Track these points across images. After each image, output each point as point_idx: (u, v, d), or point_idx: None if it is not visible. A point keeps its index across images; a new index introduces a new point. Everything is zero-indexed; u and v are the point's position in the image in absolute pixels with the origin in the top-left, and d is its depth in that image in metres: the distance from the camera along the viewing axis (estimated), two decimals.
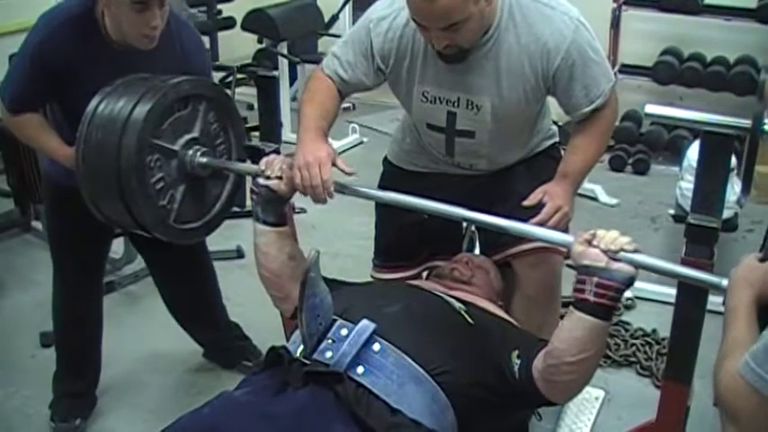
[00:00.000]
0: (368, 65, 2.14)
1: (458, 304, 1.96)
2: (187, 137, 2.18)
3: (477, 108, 2.10)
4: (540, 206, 2.00)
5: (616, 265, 1.65)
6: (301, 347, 1.76)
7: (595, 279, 1.65)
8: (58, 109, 2.39)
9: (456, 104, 2.12)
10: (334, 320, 1.78)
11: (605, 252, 1.66)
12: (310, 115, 2.12)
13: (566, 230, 2.07)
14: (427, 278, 2.33)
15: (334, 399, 1.63)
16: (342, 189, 2.02)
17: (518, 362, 1.81)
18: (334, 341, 1.73)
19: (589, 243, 1.69)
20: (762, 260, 1.46)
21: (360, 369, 1.69)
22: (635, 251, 1.67)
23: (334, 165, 2.01)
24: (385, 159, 2.52)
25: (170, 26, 2.28)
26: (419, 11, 1.86)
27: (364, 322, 1.75)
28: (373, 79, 2.18)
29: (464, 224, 2.60)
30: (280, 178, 2.04)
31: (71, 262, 2.59)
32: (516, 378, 1.80)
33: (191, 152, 2.18)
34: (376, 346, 1.73)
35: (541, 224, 1.93)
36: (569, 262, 1.77)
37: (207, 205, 2.31)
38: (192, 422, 1.64)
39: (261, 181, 2.06)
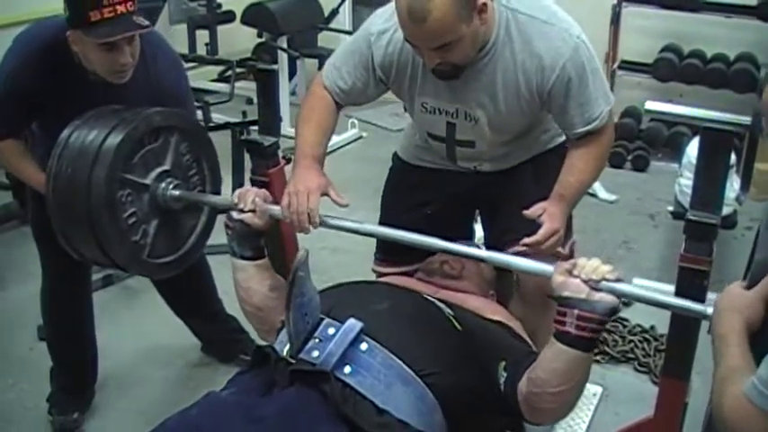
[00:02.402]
0: (368, 76, 2.14)
1: (447, 310, 1.94)
2: (159, 170, 2.17)
3: (475, 120, 2.11)
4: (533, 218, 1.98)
5: (597, 296, 1.62)
6: (288, 347, 1.74)
7: (576, 311, 1.62)
8: (38, 129, 2.38)
9: (455, 115, 2.13)
10: (322, 319, 1.76)
11: (586, 282, 1.62)
12: (307, 140, 2.13)
13: (571, 253, 2.20)
14: (415, 273, 2.31)
15: (321, 398, 1.62)
16: (327, 223, 2.02)
17: (504, 374, 1.79)
18: (320, 340, 1.72)
19: (570, 273, 1.65)
20: (747, 287, 1.44)
21: (347, 369, 1.68)
22: (617, 280, 1.63)
23: (326, 195, 2.02)
24: (395, 154, 2.52)
25: (144, 53, 2.25)
26: (410, 31, 1.86)
27: (351, 321, 1.74)
28: (374, 90, 2.18)
29: (470, 221, 2.61)
30: (253, 211, 2.02)
31: (54, 258, 2.53)
32: (501, 390, 1.79)
33: (163, 185, 2.17)
34: (363, 346, 1.72)
35: (537, 244, 1.93)
36: (550, 293, 1.72)
37: (182, 238, 2.29)
38: (179, 424, 1.62)
39: (234, 215, 2.04)
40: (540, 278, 2.18)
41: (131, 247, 2.13)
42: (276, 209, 2.04)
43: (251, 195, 2.04)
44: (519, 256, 1.89)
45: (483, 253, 1.90)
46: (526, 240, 1.94)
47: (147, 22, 2.16)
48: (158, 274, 2.30)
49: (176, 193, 2.18)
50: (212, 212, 2.34)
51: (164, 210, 2.19)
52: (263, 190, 2.10)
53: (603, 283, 1.62)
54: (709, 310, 1.53)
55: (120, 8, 2.09)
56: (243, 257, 2.06)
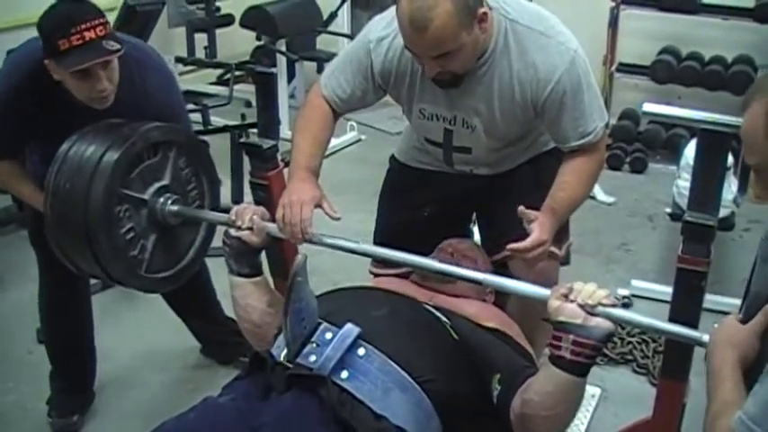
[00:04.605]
0: (367, 84, 2.15)
1: (443, 318, 1.93)
2: (157, 185, 2.17)
3: (472, 128, 2.12)
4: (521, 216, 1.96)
5: (593, 321, 1.59)
6: (285, 351, 1.73)
7: (572, 337, 1.59)
8: (33, 147, 2.38)
9: (452, 122, 2.14)
10: (319, 324, 1.75)
11: (582, 307, 1.60)
12: (303, 151, 2.14)
13: (567, 254, 2.28)
14: (411, 275, 2.28)
15: (318, 403, 1.61)
16: (325, 243, 2.01)
17: (498, 387, 1.78)
18: (318, 345, 1.71)
19: (566, 297, 1.63)
20: (743, 321, 1.43)
21: (344, 373, 1.67)
22: (613, 305, 1.61)
23: (320, 207, 2.02)
24: (392, 156, 2.53)
25: (131, 74, 2.25)
26: (411, 40, 1.86)
27: (349, 326, 1.73)
28: (372, 96, 2.20)
29: (467, 223, 2.61)
30: (250, 229, 2.02)
31: (51, 264, 2.48)
32: (494, 403, 1.78)
33: (161, 200, 2.17)
34: (361, 351, 1.71)
35: (524, 251, 1.91)
36: (545, 316, 1.69)
37: (180, 253, 2.29)
38: (177, 427, 1.62)
39: (232, 232, 2.03)
40: (539, 279, 2.19)
41: (129, 262, 2.13)
42: (273, 227, 2.04)
43: (248, 213, 2.03)
44: (516, 280, 1.89)
45: (480, 275, 1.88)
46: (513, 246, 1.92)
47: (117, 46, 2.12)
48: (156, 288, 2.30)
49: (174, 208, 2.18)
50: (211, 227, 2.34)
51: (162, 225, 2.19)
52: (261, 207, 2.09)
53: (600, 308, 1.60)
54: (705, 338, 1.52)
55: (89, 34, 2.07)
56: (240, 275, 2.05)
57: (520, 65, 1.99)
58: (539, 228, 1.92)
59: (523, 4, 2.06)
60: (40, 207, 2.20)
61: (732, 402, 1.30)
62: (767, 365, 1.25)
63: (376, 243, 2.50)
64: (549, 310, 1.65)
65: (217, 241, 2.25)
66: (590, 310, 1.60)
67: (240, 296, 2.07)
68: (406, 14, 1.81)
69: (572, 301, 1.62)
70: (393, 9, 1.93)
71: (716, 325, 1.48)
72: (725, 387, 1.34)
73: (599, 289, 1.63)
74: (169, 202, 2.18)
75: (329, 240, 2.03)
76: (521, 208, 1.93)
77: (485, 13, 1.88)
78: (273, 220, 2.05)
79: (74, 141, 2.09)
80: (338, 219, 2.04)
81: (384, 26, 2.09)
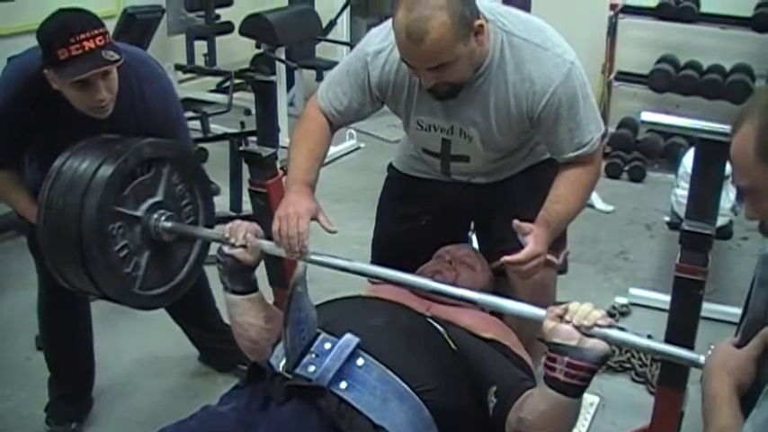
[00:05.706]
0: (364, 97, 2.16)
1: (440, 328, 1.93)
2: (150, 201, 2.16)
3: (469, 138, 2.13)
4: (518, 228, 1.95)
5: (589, 343, 1.58)
6: (284, 361, 1.74)
7: (566, 359, 1.58)
8: (29, 157, 2.38)
9: (450, 132, 2.14)
10: (318, 334, 1.76)
11: (578, 328, 1.59)
12: (300, 166, 2.13)
13: (565, 263, 2.26)
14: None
15: (317, 414, 1.62)
16: (318, 261, 2.00)
17: (494, 400, 1.78)
18: (317, 355, 1.71)
19: (561, 318, 1.62)
20: (738, 346, 1.42)
21: (343, 384, 1.67)
22: (609, 326, 1.60)
23: (315, 219, 2.02)
24: (390, 165, 2.54)
25: (131, 85, 2.25)
26: (407, 51, 1.87)
27: (348, 336, 1.73)
28: (369, 108, 2.20)
29: (466, 231, 2.62)
30: (244, 247, 2.00)
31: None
32: (490, 415, 1.78)
33: (155, 216, 2.16)
34: (360, 361, 1.71)
35: (518, 263, 1.91)
36: (540, 336, 1.68)
37: (174, 269, 2.28)
38: None
39: (225, 249, 2.01)
40: (537, 288, 2.20)
41: (122, 280, 2.12)
42: (267, 244, 2.03)
43: (242, 231, 2.01)
44: (511, 300, 1.88)
45: (475, 296, 1.88)
46: (507, 258, 1.92)
47: (117, 56, 2.12)
48: (150, 305, 2.29)
49: (168, 224, 2.17)
50: (205, 244, 2.33)
51: (155, 241, 2.18)
52: (255, 225, 2.08)
53: (595, 329, 1.59)
54: (702, 358, 1.51)
55: (89, 44, 2.07)
56: (234, 292, 2.03)
57: (516, 77, 1.99)
58: (533, 240, 1.92)
59: (520, 16, 2.06)
60: (33, 220, 2.18)
61: (730, 428, 1.29)
62: (765, 389, 1.24)
63: (374, 251, 2.51)
64: (543, 331, 1.64)
65: (215, 249, 2.25)
66: (585, 331, 1.59)
67: (236, 313, 2.05)
68: (403, 26, 1.82)
69: (567, 322, 1.61)
70: (390, 22, 1.94)
71: (712, 347, 1.48)
72: (722, 413, 1.33)
73: (595, 309, 1.62)
74: (163, 218, 2.17)
75: (322, 259, 2.01)
76: (515, 221, 1.93)
77: (481, 26, 1.88)
78: (269, 234, 2.04)
79: (67, 157, 2.08)
80: (334, 232, 2.03)
81: (381, 39, 2.10)
